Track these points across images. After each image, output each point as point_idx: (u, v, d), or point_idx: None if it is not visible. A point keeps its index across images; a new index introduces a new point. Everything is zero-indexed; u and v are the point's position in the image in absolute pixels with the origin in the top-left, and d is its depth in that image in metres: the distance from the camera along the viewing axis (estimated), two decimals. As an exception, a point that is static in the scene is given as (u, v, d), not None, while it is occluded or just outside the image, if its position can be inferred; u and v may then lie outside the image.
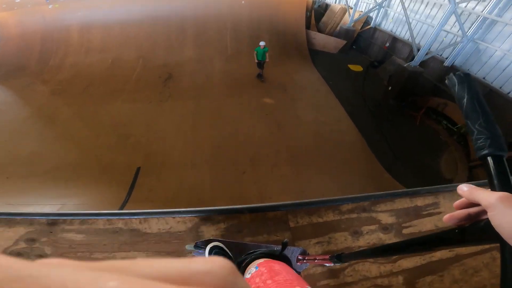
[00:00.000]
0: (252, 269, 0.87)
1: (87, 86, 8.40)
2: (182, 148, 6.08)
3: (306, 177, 5.49)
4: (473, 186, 0.45)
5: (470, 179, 6.03)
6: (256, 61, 8.00)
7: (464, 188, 0.46)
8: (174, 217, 1.84)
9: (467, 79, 0.50)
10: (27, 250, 1.66)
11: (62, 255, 1.61)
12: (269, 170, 5.60)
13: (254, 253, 0.96)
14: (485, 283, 1.54)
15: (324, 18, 14.78)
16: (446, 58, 8.26)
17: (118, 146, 6.11)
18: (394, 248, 0.73)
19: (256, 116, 7.01)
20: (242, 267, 0.96)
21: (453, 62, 8.11)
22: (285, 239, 1.04)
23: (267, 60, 7.88)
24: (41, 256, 1.62)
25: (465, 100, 0.49)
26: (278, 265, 0.86)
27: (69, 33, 10.55)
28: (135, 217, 1.76)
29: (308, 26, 11.75)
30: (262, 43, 7.73)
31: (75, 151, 6.05)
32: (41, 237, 1.69)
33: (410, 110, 8.18)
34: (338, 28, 12.98)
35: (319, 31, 12.95)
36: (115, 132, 6.48)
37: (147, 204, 4.90)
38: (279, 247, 1.04)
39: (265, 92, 7.89)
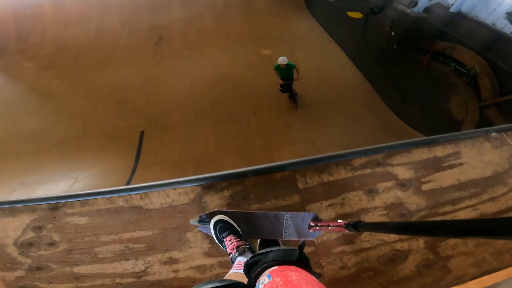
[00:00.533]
0: (264, 279, 0.72)
1: (75, 57, 7.99)
2: (182, 108, 5.92)
3: (312, 124, 5.39)
4: None
5: (481, 120, 5.91)
6: (281, 82, 5.47)
7: None
8: (175, 189, 1.72)
9: None
10: (37, 239, 1.62)
11: (70, 240, 1.56)
12: (274, 120, 5.51)
13: (266, 262, 0.79)
14: (510, 246, 1.42)
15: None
16: (452, 5, 7.86)
17: (118, 112, 5.95)
18: (420, 228, 0.64)
19: (255, 68, 6.75)
20: (252, 277, 0.79)
21: (460, 9, 7.73)
22: (302, 241, 0.86)
23: (296, 78, 5.40)
24: (51, 244, 1.58)
25: None
26: (295, 274, 0.70)
27: (41, 9, 9.79)
28: (135, 192, 1.68)
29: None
30: (282, 60, 5.19)
31: (76, 122, 5.90)
32: (47, 224, 1.65)
33: (416, 54, 7.90)
34: (332, -26, 12.17)
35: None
36: (113, 98, 6.26)
37: (156, 167, 4.87)
38: (295, 249, 0.84)
39: (262, 44, 7.54)
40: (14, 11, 9.75)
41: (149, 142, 5.32)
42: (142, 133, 5.48)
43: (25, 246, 1.58)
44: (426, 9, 7.89)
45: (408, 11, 7.78)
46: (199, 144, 5.19)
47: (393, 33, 8.33)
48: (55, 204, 1.67)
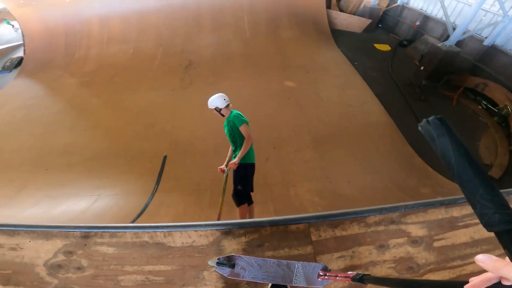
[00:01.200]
0: None
1: (112, 76, 8.62)
2: (204, 135, 6.11)
3: (331, 161, 5.32)
4: (495, 258, 0.39)
5: (510, 164, 5.61)
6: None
7: (486, 261, 0.40)
8: (196, 231, 1.88)
9: (446, 129, 0.41)
10: (66, 263, 1.75)
11: (97, 267, 1.70)
12: (293, 156, 5.49)
13: None
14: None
15: (346, -4, 14.02)
16: (485, 38, 7.68)
17: (145, 134, 6.27)
18: (426, 285, 0.66)
19: (278, 99, 6.88)
20: None
21: (494, 42, 7.55)
22: None
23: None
24: (79, 268, 1.71)
25: (453, 161, 0.40)
26: None
27: (90, 25, 10.73)
28: (160, 230, 1.81)
29: (328, 6, 11.23)
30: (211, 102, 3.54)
31: (106, 140, 6.29)
32: (77, 250, 1.79)
33: (446, 90, 7.68)
34: (361, 6, 12.31)
35: (341, 10, 12.35)
36: (142, 120, 6.65)
37: (174, 193, 4.99)
38: None
39: (286, 75, 7.70)
40: (66, 25, 10.74)
41: (170, 167, 5.52)
42: (165, 158, 5.71)
43: (54, 268, 1.71)
44: (459, 43, 7.75)
45: (440, 44, 7.64)
46: (218, 174, 5.32)
47: (422, 68, 8.18)
48: (87, 233, 1.83)
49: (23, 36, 11.14)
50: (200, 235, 1.78)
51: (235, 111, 3.29)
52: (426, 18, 10.16)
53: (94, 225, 1.89)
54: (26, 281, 1.68)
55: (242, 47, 9.00)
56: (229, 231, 1.80)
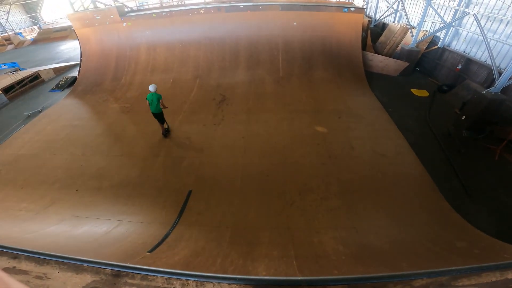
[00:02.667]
0: None
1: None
2: (231, 174, 6.15)
3: (358, 211, 5.08)
4: None
5: None
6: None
7: None
8: (229, 284, 1.77)
9: None
10: None
11: None
12: (318, 203, 5.31)
13: None
14: None
15: (382, 38, 14.01)
16: None
17: (173, 167, 6.45)
18: None
19: (307, 145, 6.79)
20: None
21: None
22: None
23: (163, 107, 7.16)
24: None
25: None
26: None
27: (139, 51, 11.61)
28: (192, 279, 1.75)
29: (364, 47, 11.22)
30: (151, 87, 6.92)
31: (136, 169, 6.55)
32: None
33: (488, 143, 7.11)
34: (398, 48, 12.17)
35: (376, 52, 12.29)
36: (172, 153, 6.88)
37: (195, 228, 4.98)
38: None
39: (318, 119, 7.64)
40: (118, 49, 11.67)
41: (194, 202, 5.57)
42: (189, 192, 5.79)
43: None
44: (504, 89, 7.17)
45: (484, 91, 7.13)
46: (240, 213, 5.26)
47: (463, 117, 7.68)
48: (118, 272, 1.80)
49: (81, 56, 12.09)
50: None
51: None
52: (468, 61, 9.60)
53: (127, 265, 1.86)
54: None
55: (275, 86, 9.18)
56: (263, 286, 1.72)
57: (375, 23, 17.86)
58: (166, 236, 4.70)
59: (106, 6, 11.92)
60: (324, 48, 10.37)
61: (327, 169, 6.10)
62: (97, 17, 11.60)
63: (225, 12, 11.05)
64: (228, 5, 11.25)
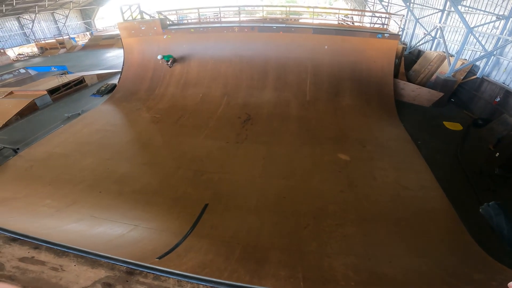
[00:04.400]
0: None
1: (179, 118, 9.57)
2: (248, 193, 6.19)
3: (374, 239, 4.92)
4: None
5: None
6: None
7: None
8: None
9: (503, 210, 0.41)
10: None
11: None
12: (333, 228, 5.21)
13: None
14: None
15: (416, 66, 13.65)
16: None
17: (193, 180, 6.62)
18: None
19: (328, 171, 6.69)
20: None
21: None
22: None
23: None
24: None
25: (505, 231, 0.39)
26: None
27: (174, 64, 12.30)
28: (203, 283, 1.80)
29: (396, 75, 10.97)
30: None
31: (157, 178, 6.82)
32: (117, 284, 1.81)
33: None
34: (433, 77, 11.76)
35: (409, 80, 11.94)
36: (193, 166, 7.09)
37: (206, 241, 5.04)
38: None
39: (341, 147, 7.52)
40: (156, 60, 12.13)
41: (209, 215, 5.65)
42: (206, 206, 5.88)
43: None
44: None
45: None
46: (253, 231, 5.26)
47: (497, 154, 7.16)
48: (132, 270, 1.89)
49: (123, 64, 12.92)
50: None
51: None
52: (508, 94, 8.96)
53: (142, 264, 1.93)
54: None
55: (300, 110, 9.22)
56: None
57: (410, 50, 17.47)
58: (176, 245, 4.78)
59: (151, 18, 12.77)
60: (354, 73, 10.29)
61: (345, 196, 5.96)
62: (142, 28, 12.41)
63: (258, 32, 11.43)
64: (262, 25, 11.65)
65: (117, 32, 27.37)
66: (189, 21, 17.29)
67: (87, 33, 38.48)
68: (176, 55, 12.28)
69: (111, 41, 28.28)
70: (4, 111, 11.33)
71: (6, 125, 10.62)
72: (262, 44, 11.35)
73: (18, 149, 8.40)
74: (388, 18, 13.57)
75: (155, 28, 12.29)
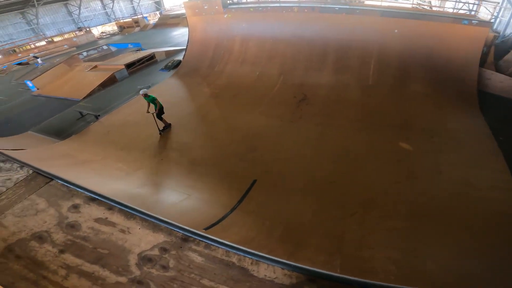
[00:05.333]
0: None
1: (236, 94, 9.90)
2: (297, 173, 6.18)
3: (425, 237, 4.54)
4: None
5: None
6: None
7: None
8: (283, 269, 1.84)
9: None
10: (157, 258, 1.93)
11: (179, 271, 1.84)
12: (380, 220, 4.93)
13: None
14: None
15: (509, 56, 11.44)
16: None
17: (245, 155, 6.87)
18: None
19: (385, 160, 6.24)
20: None
21: None
22: None
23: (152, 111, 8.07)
24: (164, 267, 1.86)
25: None
26: None
27: (233, 43, 12.53)
28: (249, 256, 1.89)
29: (482, 64, 9.42)
30: (142, 91, 8.09)
31: (212, 150, 7.26)
32: (172, 249, 1.97)
33: None
34: (531, 68, 9.77)
35: (498, 70, 10.13)
36: (246, 142, 7.33)
37: (249, 217, 5.21)
38: None
39: (404, 135, 6.89)
40: (217, 38, 12.83)
41: (256, 192, 5.82)
42: (254, 181, 6.08)
43: (144, 260, 1.91)
44: None
45: None
46: (296, 212, 5.30)
47: None
48: (187, 237, 2.06)
49: (188, 42, 13.77)
50: (285, 274, 1.79)
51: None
52: None
53: (196, 232, 2.07)
54: (113, 265, 1.91)
55: (361, 94, 8.64)
56: (314, 279, 1.75)
57: (503, 39, 14.79)
58: (222, 218, 5.04)
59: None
60: (429, 60, 9.13)
61: (400, 188, 5.54)
62: (205, 7, 12.89)
63: (319, 13, 10.86)
64: (323, 5, 11.01)
65: (182, 11, 28.89)
66: (249, 0, 17.24)
67: (157, 12, 41.41)
68: (235, 34, 12.48)
69: (177, 20, 29.97)
70: (89, 82, 13.20)
71: (90, 94, 12.41)
72: (323, 26, 10.79)
73: (99, 115, 9.77)
74: (478, 4, 11.59)
75: (216, 7, 12.63)
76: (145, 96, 7.98)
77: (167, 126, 8.43)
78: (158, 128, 8.18)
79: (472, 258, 4.19)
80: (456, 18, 9.27)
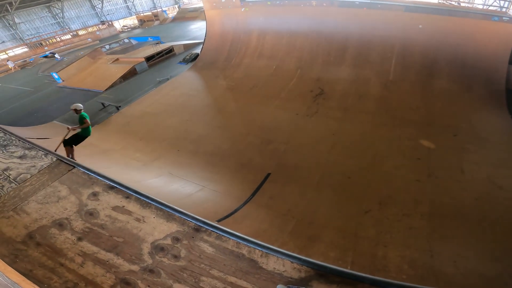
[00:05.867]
0: None
1: (252, 87, 9.90)
2: (313, 167, 6.13)
3: (443, 238, 4.41)
4: None
5: None
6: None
7: None
8: (292, 262, 1.86)
9: None
10: (169, 248, 1.99)
11: (190, 261, 1.89)
12: (398, 218, 4.81)
13: None
14: None
15: (544, 52, 10.72)
16: None
17: (259, 148, 6.89)
18: None
19: (405, 157, 6.06)
20: None
21: None
22: None
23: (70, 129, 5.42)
24: (176, 256, 1.91)
25: None
26: None
27: (250, 36, 12.49)
28: (259, 248, 1.93)
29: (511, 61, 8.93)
30: (73, 106, 5.54)
31: (227, 142, 7.31)
32: (184, 239, 2.03)
33: None
34: None
35: (531, 67, 9.54)
36: (261, 135, 7.34)
37: (262, 210, 5.23)
38: None
39: (425, 132, 6.65)
40: (234, 32, 12.87)
41: (269, 185, 5.83)
42: (268, 175, 6.09)
43: (157, 249, 1.98)
44: None
45: None
46: (310, 207, 5.27)
47: None
48: (199, 227, 2.12)
49: (205, 35, 13.86)
50: (294, 268, 1.82)
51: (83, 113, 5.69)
52: None
53: (208, 222, 2.11)
54: (127, 253, 1.98)
55: (381, 90, 8.39)
56: (324, 274, 1.78)
57: (537, 34, 13.84)
58: (235, 211, 5.09)
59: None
60: (456, 57, 8.73)
61: (421, 187, 5.37)
62: (222, 1, 12.89)
63: (338, 7, 10.59)
64: (342, 0, 10.72)
65: (200, 5, 28.99)
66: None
67: (176, 6, 41.86)
68: (253, 28, 12.43)
69: (195, 14, 30.20)
70: (111, 74, 13.63)
71: (111, 86, 12.82)
72: (342, 20, 10.52)
73: (119, 106, 10.10)
74: (510, 1, 10.93)
75: (234, 1, 12.60)
76: (76, 111, 5.60)
77: (71, 158, 5.55)
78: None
79: (493, 262, 4.03)
80: (486, 15, 8.80)
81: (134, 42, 21.15)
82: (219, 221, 4.61)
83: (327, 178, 5.85)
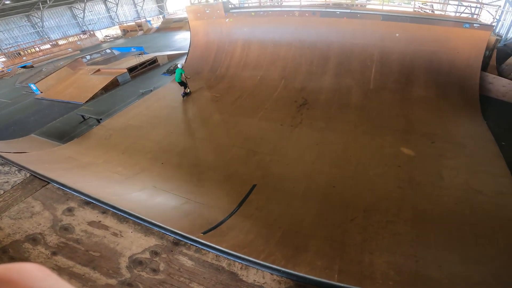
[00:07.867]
0: None
1: (237, 98, 9.93)
2: (298, 178, 6.17)
3: (427, 242, 4.54)
4: None
5: None
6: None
7: None
8: (272, 274, 1.85)
9: None
10: (147, 262, 1.97)
11: (169, 274, 1.86)
12: (383, 225, 4.91)
13: None
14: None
15: (511, 60, 11.40)
16: None
17: (244, 160, 6.88)
18: None
19: (386, 165, 6.22)
20: None
21: None
22: None
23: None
24: (154, 270, 1.89)
25: None
26: None
27: (235, 47, 12.59)
28: (239, 261, 1.91)
29: (484, 68, 9.40)
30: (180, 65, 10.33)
31: (212, 154, 7.26)
32: (163, 253, 1.99)
33: None
34: (534, 72, 9.72)
35: (500, 75, 10.10)
36: (246, 146, 7.34)
37: (249, 221, 5.17)
38: None
39: (405, 140, 6.86)
40: (219, 42, 12.90)
41: (255, 196, 5.81)
42: (254, 186, 6.07)
43: (135, 263, 1.94)
44: None
45: None
46: (296, 217, 5.27)
47: None
48: (178, 241, 2.09)
49: (190, 46, 13.84)
50: (274, 280, 1.80)
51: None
52: None
53: (188, 236, 2.08)
54: (104, 267, 1.94)
55: (362, 98, 8.64)
56: (303, 285, 1.76)
57: (505, 42, 14.78)
58: (221, 223, 5.02)
59: (215, 1, 13.20)
60: (431, 64, 9.14)
61: (403, 193, 5.51)
62: (207, 11, 13.00)
63: (320, 17, 10.92)
64: (324, 10, 11.06)
65: (185, 15, 29.08)
66: (250, 5, 17.33)
67: (160, 16, 41.81)
68: (237, 38, 12.58)
69: (180, 24, 30.24)
70: (92, 86, 13.32)
71: (92, 98, 12.51)
72: (324, 30, 10.85)
73: (101, 119, 9.83)
74: (480, 8, 11.59)
75: (218, 11, 12.72)
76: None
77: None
78: None
79: (476, 264, 4.15)
80: (458, 22, 9.28)
81: (116, 52, 20.84)
82: (204, 233, 4.52)
83: (312, 188, 5.89)
